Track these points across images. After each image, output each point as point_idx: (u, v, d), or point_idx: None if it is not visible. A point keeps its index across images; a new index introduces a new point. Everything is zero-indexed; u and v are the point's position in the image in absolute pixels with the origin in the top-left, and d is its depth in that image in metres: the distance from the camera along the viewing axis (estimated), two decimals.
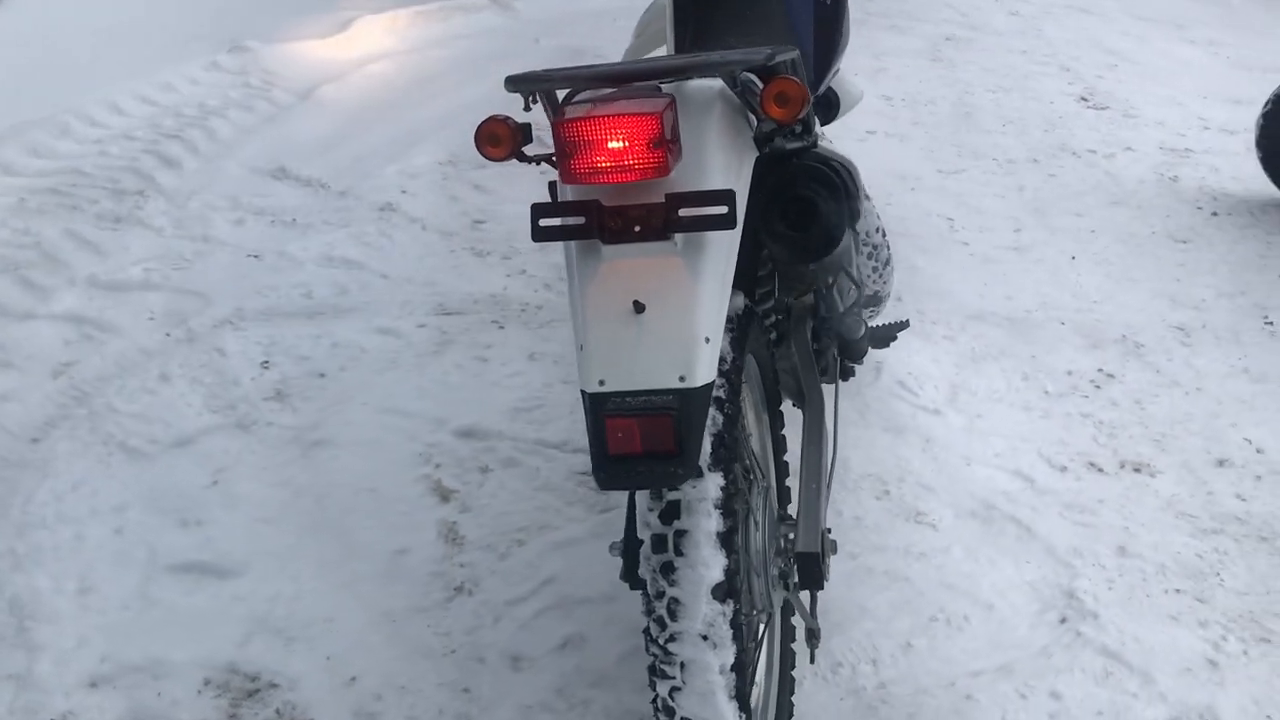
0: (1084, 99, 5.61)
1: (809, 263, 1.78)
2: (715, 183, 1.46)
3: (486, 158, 1.51)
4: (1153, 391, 3.20)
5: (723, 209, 1.38)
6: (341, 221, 3.83)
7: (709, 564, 1.52)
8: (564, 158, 1.38)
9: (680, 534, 1.52)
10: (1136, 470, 2.85)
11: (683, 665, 1.53)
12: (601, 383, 1.40)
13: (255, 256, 3.57)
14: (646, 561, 1.54)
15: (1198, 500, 2.75)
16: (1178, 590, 2.46)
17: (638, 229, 1.41)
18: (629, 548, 1.72)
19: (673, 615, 1.52)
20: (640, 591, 1.70)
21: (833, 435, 2.10)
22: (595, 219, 1.41)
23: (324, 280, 3.46)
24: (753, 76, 1.61)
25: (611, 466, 1.40)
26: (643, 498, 1.56)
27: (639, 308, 1.40)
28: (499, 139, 1.49)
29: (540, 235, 1.44)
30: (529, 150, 1.53)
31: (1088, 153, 4.92)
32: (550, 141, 1.45)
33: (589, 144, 1.36)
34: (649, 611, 1.54)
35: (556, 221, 1.44)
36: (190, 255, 3.56)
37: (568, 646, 2.20)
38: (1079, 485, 2.77)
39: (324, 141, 4.50)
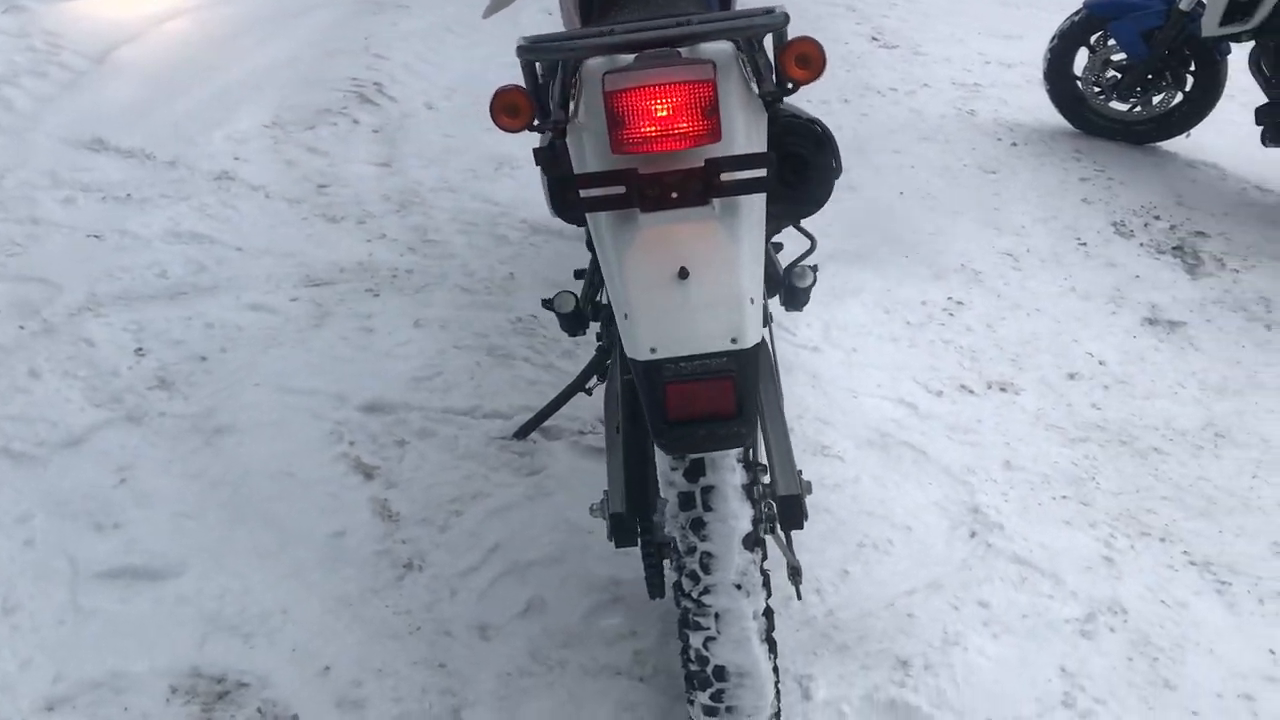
0: (875, 38, 5.84)
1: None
2: (746, 146, 1.48)
3: (502, 128, 1.48)
4: (999, 315, 3.42)
5: (761, 171, 1.41)
6: (179, 194, 3.62)
7: (738, 515, 1.56)
8: (615, 127, 1.36)
9: (708, 490, 1.55)
10: (1002, 390, 3.06)
11: (717, 615, 1.58)
12: (653, 350, 1.42)
13: (96, 237, 3.33)
14: (674, 520, 1.57)
15: (1060, 412, 2.98)
16: (1064, 496, 2.66)
17: (675, 195, 1.42)
18: (629, 509, 1.75)
19: (706, 569, 1.56)
20: (639, 550, 1.74)
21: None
22: (634, 187, 1.42)
23: (177, 258, 3.27)
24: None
25: (674, 431, 1.42)
26: (663, 459, 1.58)
27: (684, 274, 1.42)
28: (518, 109, 1.46)
29: (583, 206, 1.43)
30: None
31: (890, 90, 5.14)
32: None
33: (641, 112, 1.36)
34: (679, 568, 1.57)
35: (597, 192, 1.43)
36: (22, 239, 3.29)
37: (530, 611, 2.20)
38: (956, 408, 2.95)
39: (136, 108, 4.21)
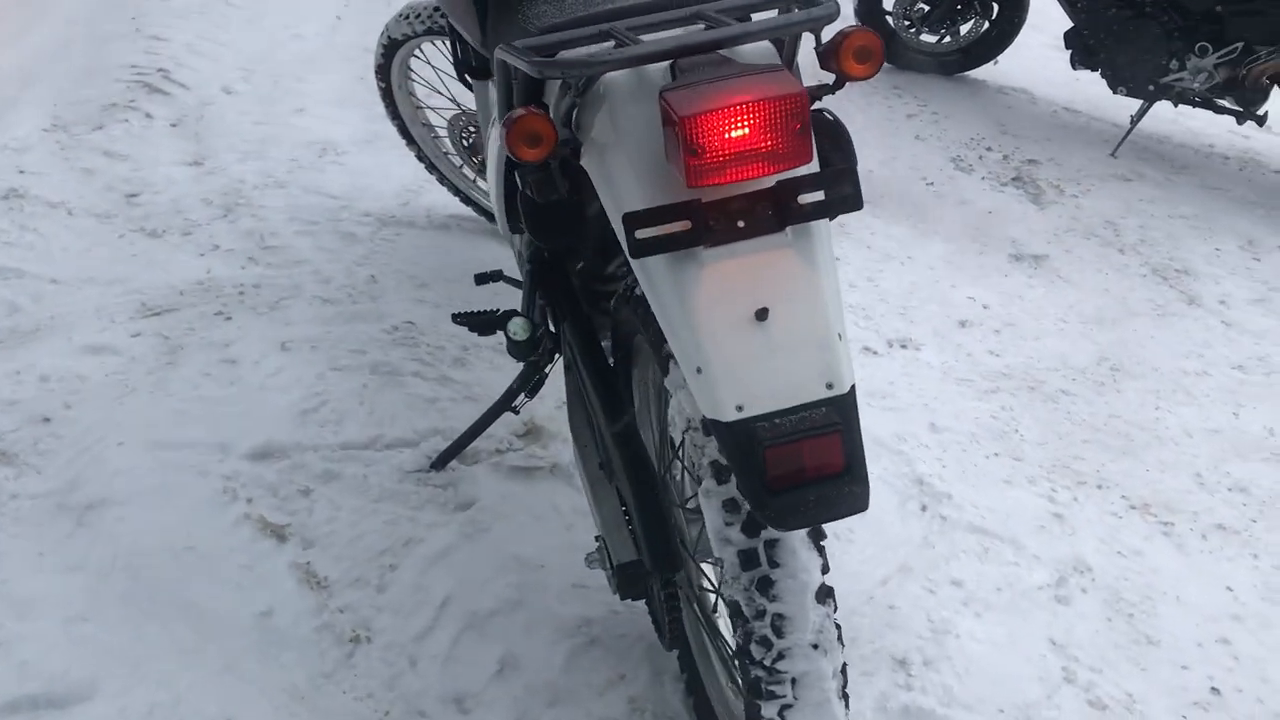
0: None
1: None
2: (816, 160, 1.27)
3: (521, 160, 1.22)
4: (877, 267, 3.34)
5: (847, 188, 1.21)
6: None
7: (809, 568, 1.39)
8: (691, 156, 1.12)
9: (772, 544, 1.37)
10: (903, 346, 2.98)
11: (794, 681, 1.40)
12: (740, 408, 1.21)
13: None
14: (734, 581, 1.38)
15: (963, 364, 2.93)
16: (995, 454, 2.61)
17: (742, 225, 1.20)
18: (655, 563, 1.55)
19: (779, 631, 1.38)
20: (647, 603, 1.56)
21: None
22: (700, 221, 1.19)
23: None
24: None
25: (779, 502, 1.21)
26: (715, 512, 1.39)
27: (763, 314, 1.21)
28: (540, 138, 1.22)
29: (642, 250, 1.19)
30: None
31: None
32: None
33: (719, 136, 1.12)
34: (746, 634, 1.39)
35: (657, 232, 1.20)
36: None
37: (505, 670, 1.97)
38: (868, 371, 2.85)
39: None
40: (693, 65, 1.18)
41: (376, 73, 3.09)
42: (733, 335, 1.20)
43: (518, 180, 1.46)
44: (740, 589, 1.38)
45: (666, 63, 1.22)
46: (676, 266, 1.22)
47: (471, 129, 3.00)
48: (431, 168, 3.29)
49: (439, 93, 3.06)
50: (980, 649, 2.09)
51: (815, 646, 1.40)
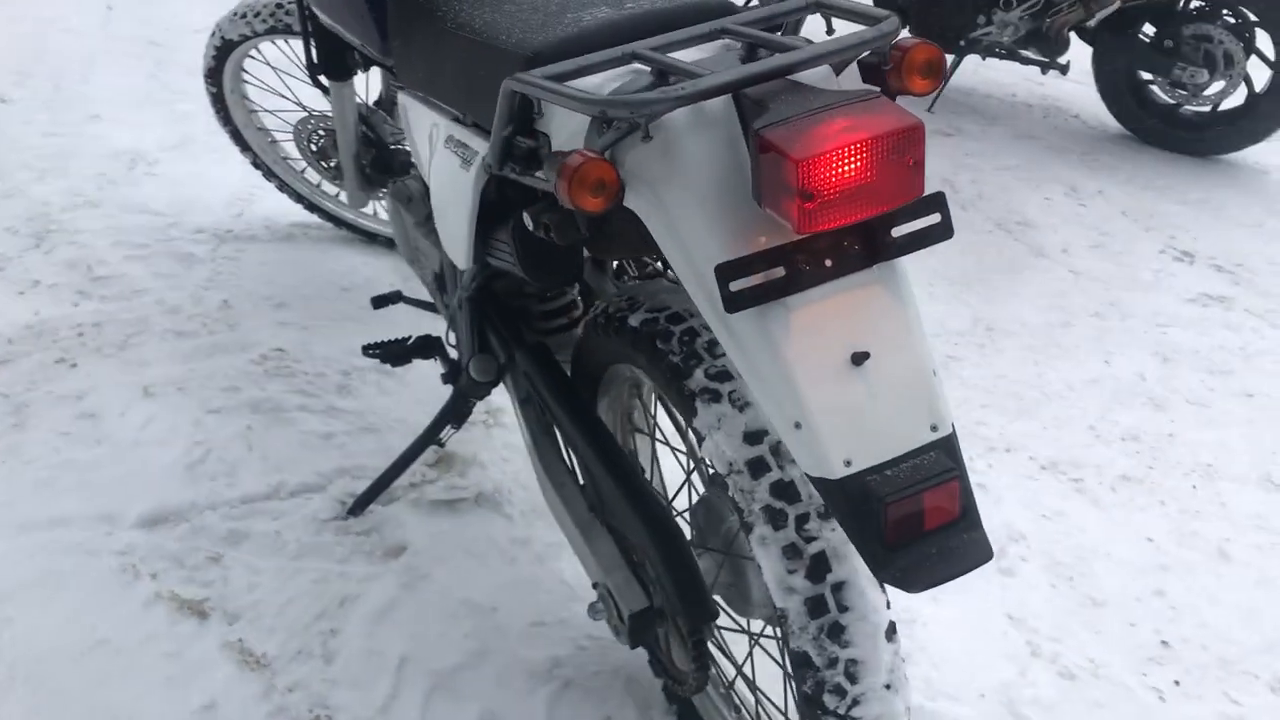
0: None
1: None
2: None
3: (581, 209, 1.08)
4: None
5: (936, 217, 1.12)
6: None
7: (877, 607, 1.32)
8: (810, 200, 1.00)
9: (839, 587, 1.29)
10: None
11: None
12: (848, 463, 1.12)
13: None
14: (801, 632, 1.30)
15: None
16: None
17: (829, 264, 1.10)
18: (690, 613, 1.46)
19: (853, 678, 1.31)
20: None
21: None
22: (793, 266, 1.08)
23: None
24: None
25: (903, 560, 1.13)
26: (774, 559, 1.30)
27: (859, 359, 1.11)
28: (605, 185, 1.08)
29: (737, 304, 1.08)
30: None
31: None
32: None
33: (840, 175, 1.01)
34: (819, 685, 1.31)
35: (751, 283, 1.08)
36: None
37: None
38: None
39: None
40: (768, 95, 1.06)
41: (206, 77, 2.80)
42: (831, 385, 1.11)
43: (526, 221, 1.31)
44: (809, 639, 1.30)
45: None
46: (762, 316, 1.11)
47: (321, 133, 2.76)
48: (270, 174, 3.03)
49: (282, 96, 2.81)
50: (945, 634, 2.09)
51: (888, 687, 1.33)
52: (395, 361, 2.09)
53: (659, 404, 1.83)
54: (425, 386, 2.53)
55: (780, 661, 1.59)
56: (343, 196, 3.04)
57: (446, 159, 1.53)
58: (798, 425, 1.10)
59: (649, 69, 1.17)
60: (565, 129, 1.25)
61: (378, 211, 3.06)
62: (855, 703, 1.31)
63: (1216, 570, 2.31)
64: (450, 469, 2.33)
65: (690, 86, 1.03)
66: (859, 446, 1.11)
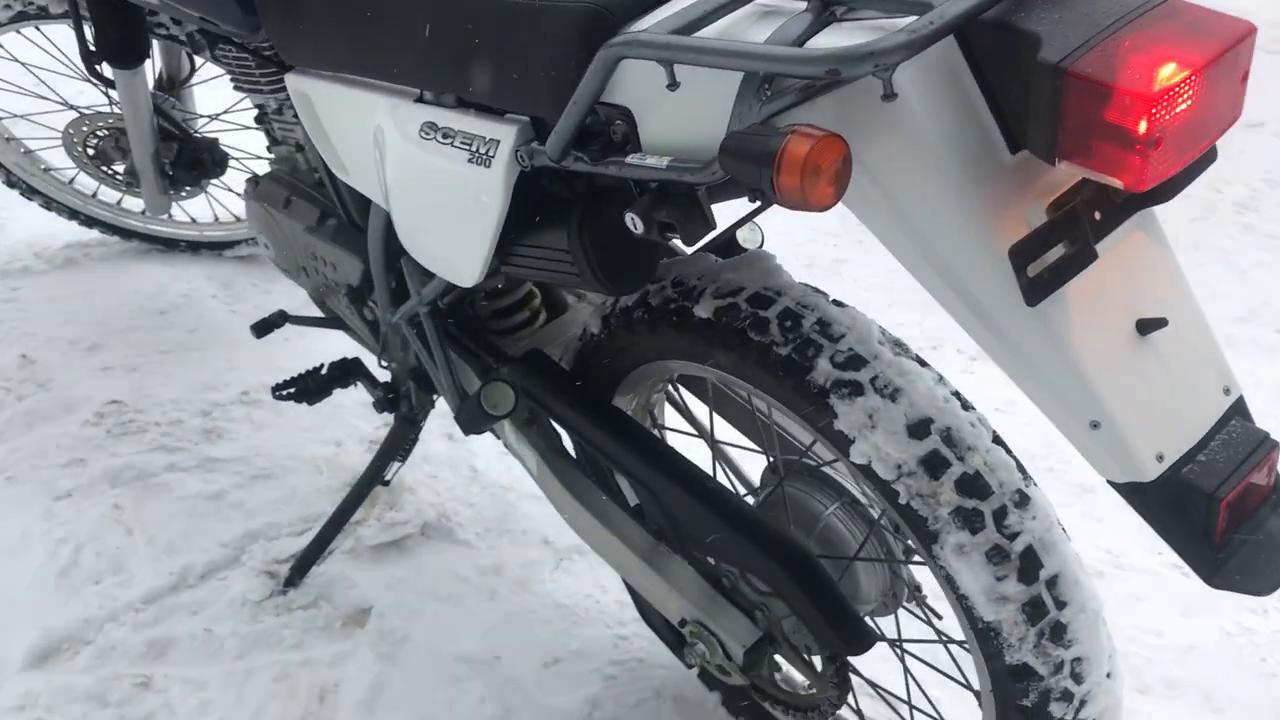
0: None
1: None
2: None
3: (809, 204, 0.80)
4: None
5: None
6: None
7: (1091, 593, 1.15)
8: (1154, 143, 0.75)
9: (1053, 582, 1.11)
10: None
11: None
12: (1160, 458, 0.91)
13: None
14: (1019, 644, 1.11)
15: None
16: None
17: (1098, 216, 0.88)
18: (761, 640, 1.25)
19: (1079, 678, 1.14)
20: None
21: None
22: (1081, 233, 0.85)
23: None
24: None
25: (1236, 561, 0.94)
26: (979, 568, 1.10)
27: (1145, 327, 0.90)
28: (844, 170, 0.81)
29: (1039, 292, 0.83)
30: None
31: None
32: None
33: (1183, 107, 0.76)
34: (1044, 695, 1.13)
35: (1043, 263, 0.83)
36: None
37: None
38: None
39: None
40: (1020, 16, 0.80)
41: None
42: (1124, 367, 0.89)
43: (632, 222, 1.01)
44: (1029, 648, 1.11)
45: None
46: (1016, 301, 0.87)
47: (100, 133, 2.28)
48: (30, 192, 2.50)
49: (40, 96, 2.29)
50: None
51: (1109, 675, 1.16)
52: (314, 398, 1.73)
53: (671, 394, 1.59)
54: (302, 408, 2.16)
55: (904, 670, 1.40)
56: (126, 203, 2.55)
57: (431, 155, 1.19)
58: (1095, 425, 0.89)
59: (794, 7, 0.89)
60: (666, 100, 0.96)
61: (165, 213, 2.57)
62: (1083, 703, 1.15)
63: None
64: (377, 503, 1.99)
65: (940, 15, 0.76)
66: (1167, 435, 0.91)
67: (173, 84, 2.33)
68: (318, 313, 1.89)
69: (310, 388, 1.71)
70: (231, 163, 2.33)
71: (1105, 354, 0.87)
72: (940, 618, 1.39)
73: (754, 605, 1.34)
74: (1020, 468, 1.12)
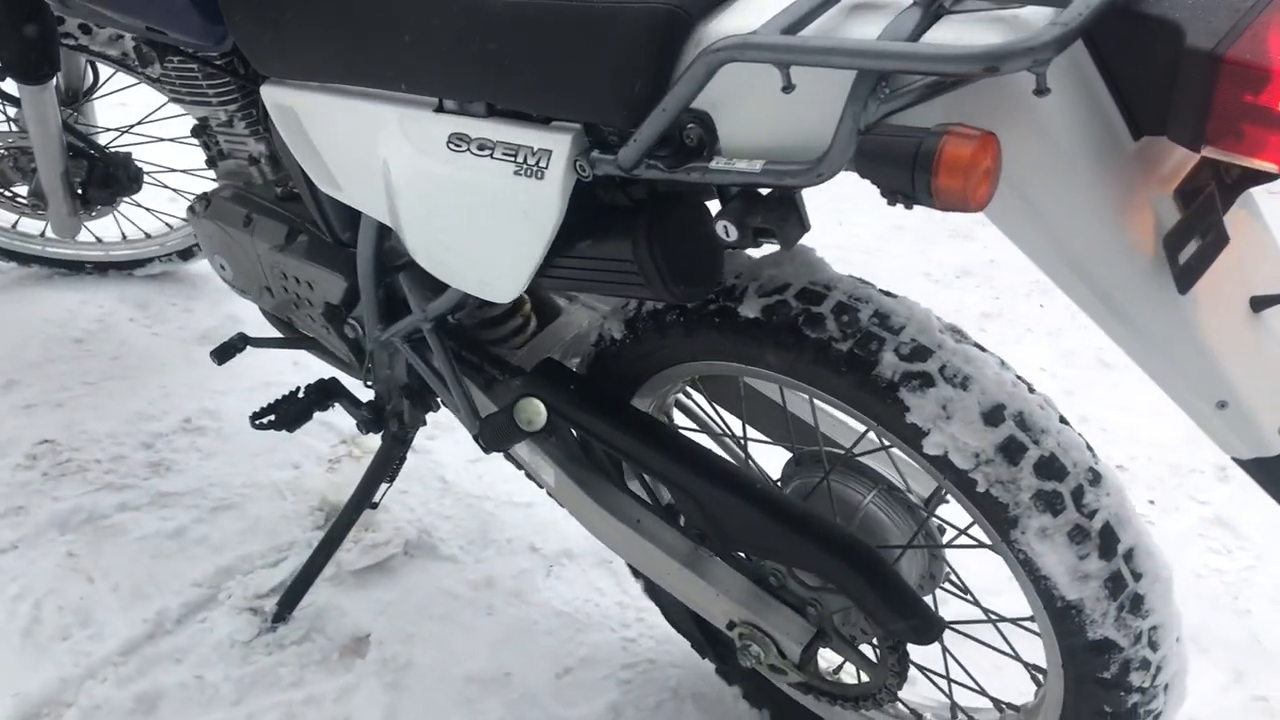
0: None
1: None
2: None
3: (968, 206, 0.77)
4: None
5: None
6: None
7: (1162, 561, 1.17)
8: None
9: (1129, 555, 1.13)
10: None
11: (1167, 686, 1.20)
12: None
13: None
14: (1101, 619, 1.12)
15: None
16: None
17: (1218, 198, 0.88)
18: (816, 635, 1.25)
19: (1155, 645, 1.16)
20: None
21: None
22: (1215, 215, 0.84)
23: None
24: None
25: None
26: (1063, 549, 1.10)
27: (1260, 303, 0.91)
28: (994, 171, 0.79)
29: (1189, 280, 0.83)
30: None
31: None
32: None
33: None
34: (1124, 665, 1.14)
35: (1191, 249, 0.83)
36: None
37: None
38: None
39: None
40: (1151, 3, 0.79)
41: None
42: (1245, 346, 0.90)
43: (724, 230, 0.96)
44: (1111, 622, 1.12)
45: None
46: (1162, 286, 0.87)
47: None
48: None
49: None
50: None
51: (1178, 640, 1.19)
52: (295, 424, 1.64)
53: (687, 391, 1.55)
54: (247, 427, 2.06)
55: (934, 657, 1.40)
56: (23, 226, 2.38)
57: (464, 169, 1.12)
58: (1222, 405, 0.89)
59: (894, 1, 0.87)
60: (754, 102, 0.92)
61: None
62: (1159, 670, 1.17)
63: (1108, 381, 2.36)
64: (353, 527, 1.90)
65: (1086, 5, 0.74)
66: None
67: (74, 97, 2.18)
68: (274, 332, 1.79)
69: (290, 413, 1.62)
70: (146, 178, 2.18)
71: (1229, 334, 0.88)
72: (971, 596, 1.40)
73: (805, 601, 1.32)
74: (1088, 446, 1.13)
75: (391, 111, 1.20)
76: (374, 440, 2.05)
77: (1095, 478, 1.11)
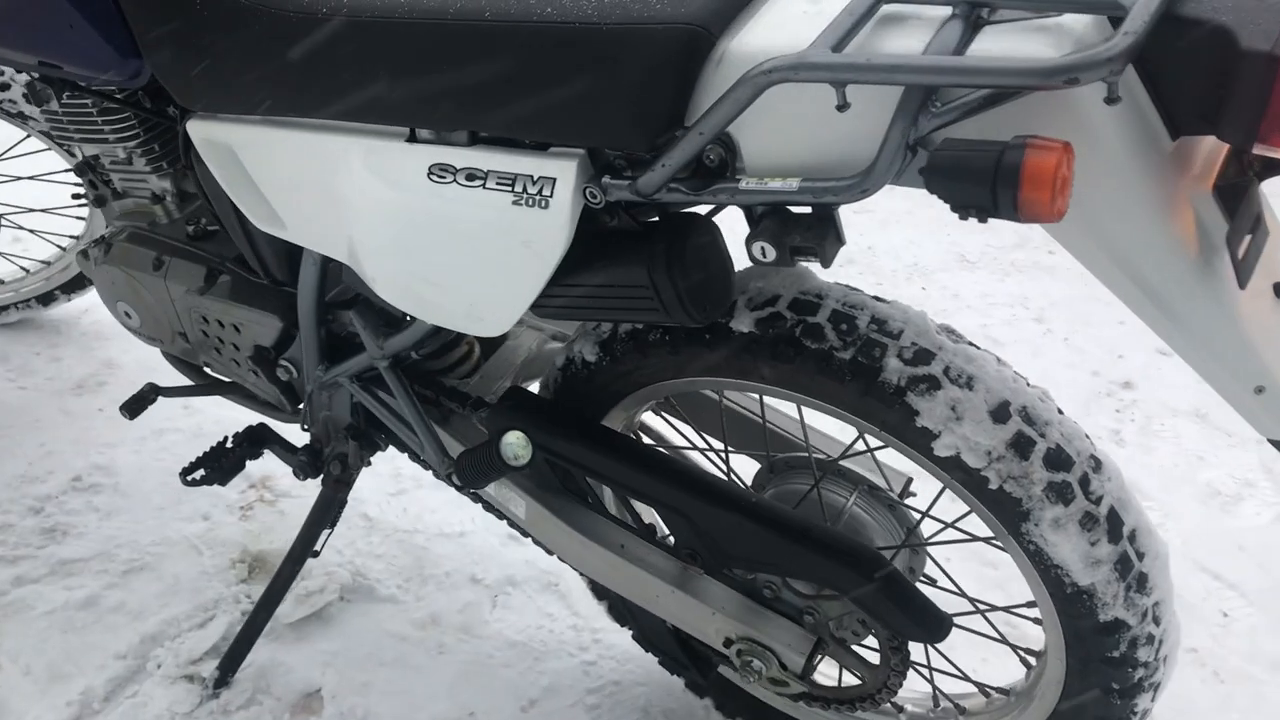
0: None
1: None
2: None
3: (1050, 219, 0.77)
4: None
5: None
6: None
7: (1160, 538, 1.21)
8: None
9: (1133, 536, 1.16)
10: None
11: (1165, 657, 1.24)
12: None
13: None
14: (1114, 600, 1.15)
15: None
16: None
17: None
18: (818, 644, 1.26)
19: (1158, 619, 1.20)
20: None
21: None
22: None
23: None
24: None
25: None
26: (1075, 537, 1.12)
27: None
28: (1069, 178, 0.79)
29: (1245, 276, 0.84)
30: None
31: None
32: None
33: None
34: (1133, 643, 1.18)
35: (1244, 244, 0.84)
36: None
37: None
38: None
39: None
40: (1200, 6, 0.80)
41: None
42: (1275, 331, 0.93)
43: (759, 251, 0.94)
44: (1120, 603, 1.15)
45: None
46: (1208, 277, 0.89)
47: None
48: None
49: None
50: None
51: (1174, 610, 1.23)
52: (228, 476, 1.54)
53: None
54: (145, 480, 1.94)
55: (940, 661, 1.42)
56: None
57: (450, 201, 1.06)
58: (1260, 390, 0.92)
59: (927, 12, 0.86)
60: (783, 120, 0.90)
61: None
62: (1161, 642, 1.20)
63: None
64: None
65: (1145, 11, 0.75)
66: None
67: None
68: (182, 378, 1.68)
69: (223, 466, 1.52)
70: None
71: (1262, 321, 0.91)
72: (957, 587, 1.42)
73: (801, 610, 1.31)
74: (1086, 434, 1.15)
75: (354, 144, 1.13)
76: (286, 483, 1.96)
77: (1097, 464, 1.13)
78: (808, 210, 0.94)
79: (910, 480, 1.45)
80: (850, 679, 1.43)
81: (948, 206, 0.81)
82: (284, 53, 1.11)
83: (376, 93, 1.07)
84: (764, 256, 0.93)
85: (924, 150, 0.85)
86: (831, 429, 1.42)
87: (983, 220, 0.79)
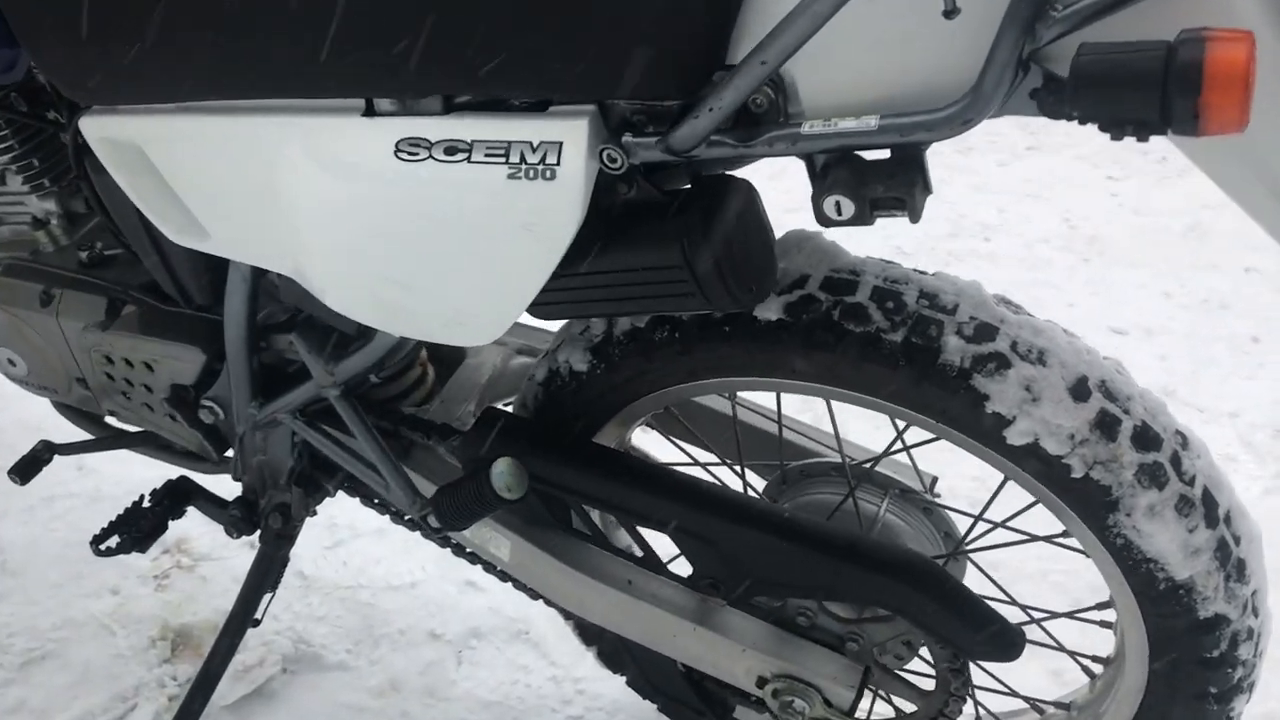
0: None
1: None
2: None
3: (1234, 129, 0.62)
4: None
5: None
6: None
7: (1251, 517, 1.08)
8: None
9: (1229, 519, 1.03)
10: None
11: (1263, 653, 1.11)
12: None
13: None
14: (1215, 592, 1.01)
15: None
16: None
17: None
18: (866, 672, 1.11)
19: (1257, 611, 1.07)
20: None
21: None
22: None
23: None
24: None
25: None
26: (1172, 524, 0.98)
27: None
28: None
29: None
30: None
31: None
32: None
33: None
34: (1232, 641, 1.04)
35: None
36: None
37: None
38: None
39: None
40: None
41: None
42: None
43: (831, 208, 0.77)
44: (1221, 596, 1.01)
45: None
46: None
47: None
48: None
49: None
50: None
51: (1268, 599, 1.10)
52: (147, 541, 1.31)
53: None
54: (38, 555, 1.70)
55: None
56: None
57: (427, 182, 0.87)
58: None
59: None
60: (848, 46, 0.74)
61: None
62: (1261, 635, 1.07)
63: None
64: (201, 652, 1.57)
65: None
66: None
67: None
68: (78, 433, 1.44)
69: (142, 529, 1.30)
70: None
71: None
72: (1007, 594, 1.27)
73: (842, 637, 1.15)
74: (1166, 406, 1.01)
75: (294, 125, 0.93)
76: (205, 544, 1.73)
77: (1184, 440, 1.00)
78: (886, 155, 0.77)
79: (935, 479, 1.30)
80: (883, 709, 1.27)
81: (1093, 126, 0.65)
82: (204, 18, 0.90)
83: (321, 58, 0.87)
84: (839, 214, 0.76)
85: (1037, 66, 0.69)
86: (841, 428, 1.25)
87: (1143, 139, 0.64)
